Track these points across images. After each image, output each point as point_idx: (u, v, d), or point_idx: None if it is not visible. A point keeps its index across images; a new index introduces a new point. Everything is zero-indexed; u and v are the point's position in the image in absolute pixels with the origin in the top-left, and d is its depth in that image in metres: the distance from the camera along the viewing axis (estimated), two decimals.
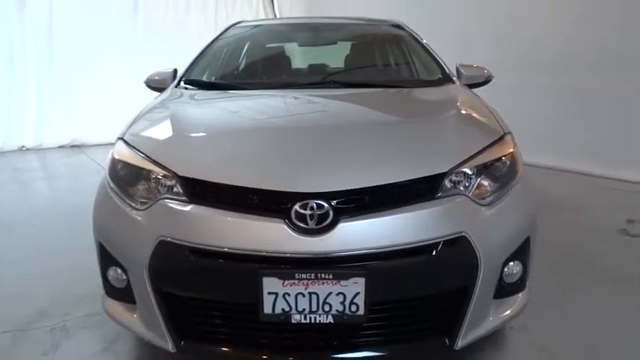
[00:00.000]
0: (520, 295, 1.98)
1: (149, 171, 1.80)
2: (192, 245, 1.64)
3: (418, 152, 1.84)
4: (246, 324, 1.70)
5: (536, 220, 1.99)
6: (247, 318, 1.68)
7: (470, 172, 1.81)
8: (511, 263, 1.90)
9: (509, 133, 2.09)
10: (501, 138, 2.01)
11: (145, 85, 2.99)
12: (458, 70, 3.00)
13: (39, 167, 6.49)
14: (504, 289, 1.91)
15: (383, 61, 3.40)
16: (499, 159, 1.91)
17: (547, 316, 2.41)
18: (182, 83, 2.81)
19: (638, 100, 4.69)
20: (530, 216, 1.96)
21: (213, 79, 2.99)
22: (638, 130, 4.69)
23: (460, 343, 1.77)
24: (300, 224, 1.60)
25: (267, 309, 1.61)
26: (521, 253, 1.91)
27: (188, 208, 1.68)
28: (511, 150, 1.98)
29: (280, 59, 3.38)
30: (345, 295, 1.60)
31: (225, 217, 1.64)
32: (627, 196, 4.28)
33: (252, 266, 1.60)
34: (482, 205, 1.79)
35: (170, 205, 1.70)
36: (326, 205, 1.61)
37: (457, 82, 2.80)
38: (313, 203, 1.61)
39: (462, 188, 1.78)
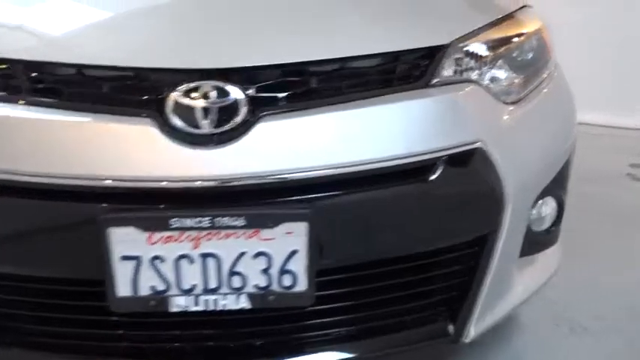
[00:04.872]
0: (552, 250, 1.28)
1: None
2: None
3: (402, 13, 1.08)
4: (86, 318, 0.91)
5: (576, 136, 1.28)
6: (87, 307, 0.90)
7: (484, 52, 1.08)
8: (543, 200, 1.19)
9: (531, 6, 1.36)
10: (522, 9, 1.27)
11: None
12: None
13: None
14: (533, 242, 1.20)
15: None
16: (521, 36, 1.18)
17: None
18: None
19: None
20: (572, 127, 1.24)
21: None
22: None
23: (473, 331, 1.05)
24: (183, 126, 0.84)
25: (123, 288, 0.84)
26: (559, 184, 1.20)
27: None
28: (538, 26, 1.24)
29: None
30: (270, 258, 0.85)
31: (42, 121, 0.85)
32: (629, 142, 3.69)
33: (90, 208, 0.82)
34: (504, 101, 1.06)
35: None
36: (234, 90, 0.85)
37: None
38: (209, 86, 0.84)
39: (475, 76, 1.04)
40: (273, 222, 0.83)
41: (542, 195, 1.16)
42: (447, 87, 0.99)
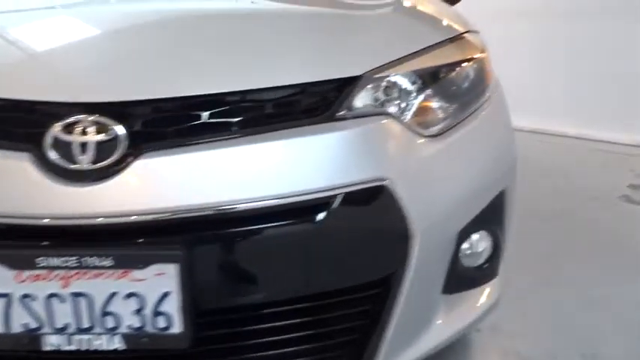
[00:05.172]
0: (488, 286, 1.22)
1: None
2: None
3: (317, 44, 1.04)
4: None
5: (515, 165, 1.23)
6: None
7: (405, 83, 1.04)
8: (474, 235, 1.14)
9: (477, 32, 1.31)
10: (460, 37, 1.22)
11: None
12: None
13: None
14: (462, 278, 1.15)
15: None
16: (455, 65, 1.13)
17: (531, 310, 1.67)
18: None
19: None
20: (507, 157, 1.19)
21: None
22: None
23: None
24: (60, 161, 0.82)
25: None
26: (491, 217, 1.15)
27: None
28: (477, 54, 1.19)
29: None
30: (142, 299, 0.82)
31: None
32: (632, 160, 3.55)
33: None
34: (422, 135, 1.02)
35: None
36: (115, 125, 0.83)
37: None
38: (89, 121, 0.82)
39: (392, 108, 1.00)
40: (142, 263, 0.80)
41: (470, 230, 1.11)
42: (355, 120, 0.95)
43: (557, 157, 3.66)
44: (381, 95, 1.01)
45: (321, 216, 0.88)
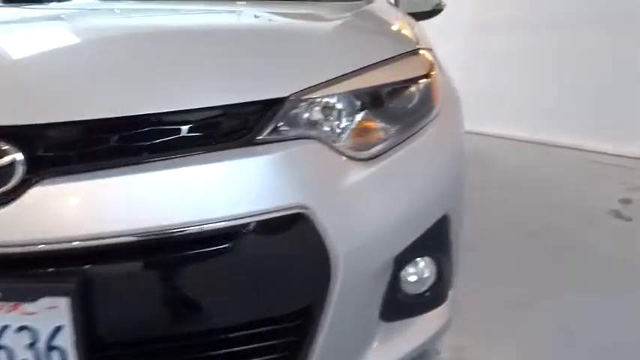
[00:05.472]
0: (435, 312, 1.17)
1: None
2: None
3: (242, 65, 1.00)
4: None
5: (462, 189, 1.18)
6: None
7: (340, 104, 1.00)
8: (415, 262, 1.10)
9: (429, 49, 1.26)
10: (408, 54, 1.18)
11: None
12: None
13: None
14: (404, 305, 1.10)
15: None
16: (398, 84, 1.09)
17: (498, 333, 1.60)
18: None
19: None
20: (450, 181, 1.14)
21: None
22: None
23: None
24: None
25: None
26: (433, 243, 1.10)
27: None
28: (423, 72, 1.15)
29: None
30: (34, 332, 0.79)
31: None
32: (625, 172, 3.46)
33: None
34: (356, 158, 0.97)
35: None
36: (11, 150, 0.80)
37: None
38: None
39: (323, 131, 0.96)
40: (32, 296, 0.77)
41: (409, 256, 1.06)
42: (278, 145, 0.91)
43: (549, 169, 3.59)
44: (311, 117, 0.97)
45: (231, 244, 0.85)
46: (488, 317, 1.67)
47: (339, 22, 1.25)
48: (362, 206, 0.96)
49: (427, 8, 2.10)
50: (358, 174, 0.97)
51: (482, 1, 4.45)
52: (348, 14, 1.36)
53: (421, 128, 1.09)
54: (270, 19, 1.28)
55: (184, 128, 0.88)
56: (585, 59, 3.97)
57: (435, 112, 1.13)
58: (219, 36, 1.11)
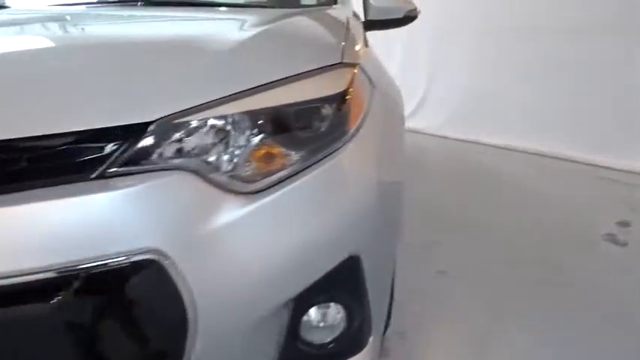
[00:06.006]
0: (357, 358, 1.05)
1: None
2: None
3: (96, 87, 0.88)
4: None
5: (378, 225, 1.04)
6: None
7: (224, 128, 0.88)
8: (323, 307, 0.98)
9: (354, 65, 1.13)
10: (327, 69, 1.05)
11: None
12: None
13: None
14: (309, 355, 0.98)
15: None
16: (303, 105, 0.97)
17: None
18: None
19: None
20: (362, 216, 1.00)
21: None
22: None
23: None
24: None
25: None
26: (340, 287, 0.97)
27: None
28: (338, 90, 1.02)
29: None
30: None
31: None
32: (631, 190, 3.24)
33: None
34: (240, 191, 0.85)
35: None
36: None
37: (346, 7, 1.79)
38: None
39: (199, 161, 0.85)
40: None
41: (307, 302, 0.94)
42: (131, 178, 0.80)
43: (550, 185, 3.39)
44: (184, 145, 0.85)
45: (67, 295, 0.73)
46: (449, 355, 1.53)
47: (252, 32, 1.13)
48: (237, 248, 0.84)
49: (399, 15, 1.96)
50: (236, 211, 0.85)
51: (491, 8, 4.27)
52: (276, 22, 1.24)
53: (328, 154, 0.96)
54: (168, 29, 1.16)
55: (22, 159, 0.77)
56: (589, 70, 3.77)
57: (348, 135, 1.00)
58: (91, 50, 1.00)
